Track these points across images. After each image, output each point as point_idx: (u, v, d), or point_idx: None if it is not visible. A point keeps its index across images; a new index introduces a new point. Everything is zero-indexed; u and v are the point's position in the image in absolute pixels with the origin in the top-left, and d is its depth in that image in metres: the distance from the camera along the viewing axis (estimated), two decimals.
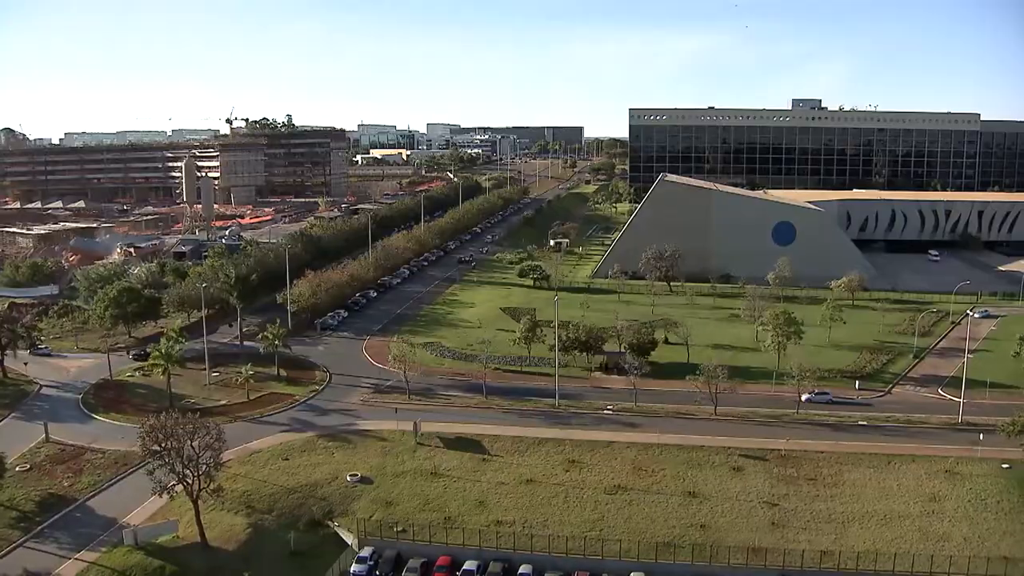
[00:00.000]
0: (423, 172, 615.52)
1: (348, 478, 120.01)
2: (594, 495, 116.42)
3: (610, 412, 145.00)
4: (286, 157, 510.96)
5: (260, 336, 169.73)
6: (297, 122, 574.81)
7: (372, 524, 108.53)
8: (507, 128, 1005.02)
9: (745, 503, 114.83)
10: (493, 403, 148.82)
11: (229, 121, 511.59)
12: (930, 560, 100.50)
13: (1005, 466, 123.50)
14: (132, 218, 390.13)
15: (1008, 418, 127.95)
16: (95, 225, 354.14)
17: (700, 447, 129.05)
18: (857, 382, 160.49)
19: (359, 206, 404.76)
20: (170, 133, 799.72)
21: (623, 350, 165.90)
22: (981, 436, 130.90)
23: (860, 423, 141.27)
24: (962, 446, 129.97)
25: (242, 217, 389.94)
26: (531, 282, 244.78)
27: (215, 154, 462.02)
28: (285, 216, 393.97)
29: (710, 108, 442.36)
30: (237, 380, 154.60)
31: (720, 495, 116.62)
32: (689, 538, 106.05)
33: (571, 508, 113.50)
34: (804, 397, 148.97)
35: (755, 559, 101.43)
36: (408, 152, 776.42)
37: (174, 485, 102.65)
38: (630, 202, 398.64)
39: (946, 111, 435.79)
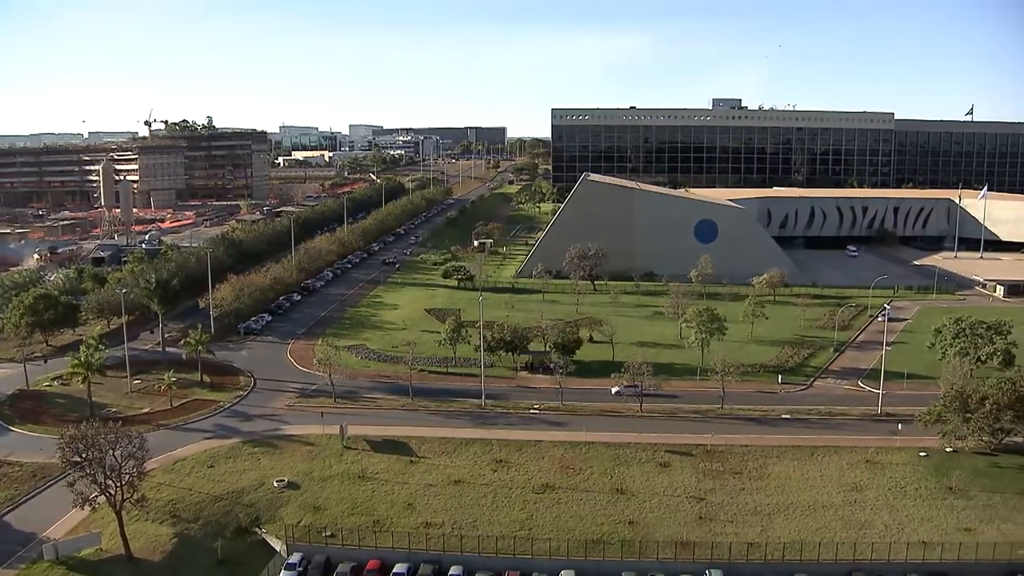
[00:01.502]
0: (346, 174, 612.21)
1: (275, 484, 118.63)
2: (522, 494, 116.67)
3: (536, 411, 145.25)
4: (207, 159, 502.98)
5: (182, 342, 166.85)
6: (218, 124, 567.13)
7: (300, 530, 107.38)
8: (430, 129, 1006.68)
9: (672, 498, 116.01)
10: (419, 405, 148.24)
11: (148, 123, 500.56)
12: (853, 548, 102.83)
13: (923, 454, 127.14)
14: (48, 223, 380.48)
15: (925, 408, 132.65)
16: (8, 231, 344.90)
17: (626, 444, 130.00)
18: (780, 376, 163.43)
19: (281, 208, 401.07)
20: (87, 136, 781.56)
21: (548, 349, 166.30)
22: (900, 426, 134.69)
23: (784, 416, 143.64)
24: (882, 436, 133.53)
25: (162, 221, 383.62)
26: (455, 283, 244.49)
27: (134, 157, 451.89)
28: (206, 219, 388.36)
29: (632, 108, 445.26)
30: (159, 387, 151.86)
31: (647, 491, 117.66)
32: (618, 535, 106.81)
33: (500, 508, 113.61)
34: (614, 390, 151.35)
35: (683, 553, 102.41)
36: (330, 154, 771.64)
37: (96, 497, 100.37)
38: (553, 202, 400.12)
39: (862, 110, 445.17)
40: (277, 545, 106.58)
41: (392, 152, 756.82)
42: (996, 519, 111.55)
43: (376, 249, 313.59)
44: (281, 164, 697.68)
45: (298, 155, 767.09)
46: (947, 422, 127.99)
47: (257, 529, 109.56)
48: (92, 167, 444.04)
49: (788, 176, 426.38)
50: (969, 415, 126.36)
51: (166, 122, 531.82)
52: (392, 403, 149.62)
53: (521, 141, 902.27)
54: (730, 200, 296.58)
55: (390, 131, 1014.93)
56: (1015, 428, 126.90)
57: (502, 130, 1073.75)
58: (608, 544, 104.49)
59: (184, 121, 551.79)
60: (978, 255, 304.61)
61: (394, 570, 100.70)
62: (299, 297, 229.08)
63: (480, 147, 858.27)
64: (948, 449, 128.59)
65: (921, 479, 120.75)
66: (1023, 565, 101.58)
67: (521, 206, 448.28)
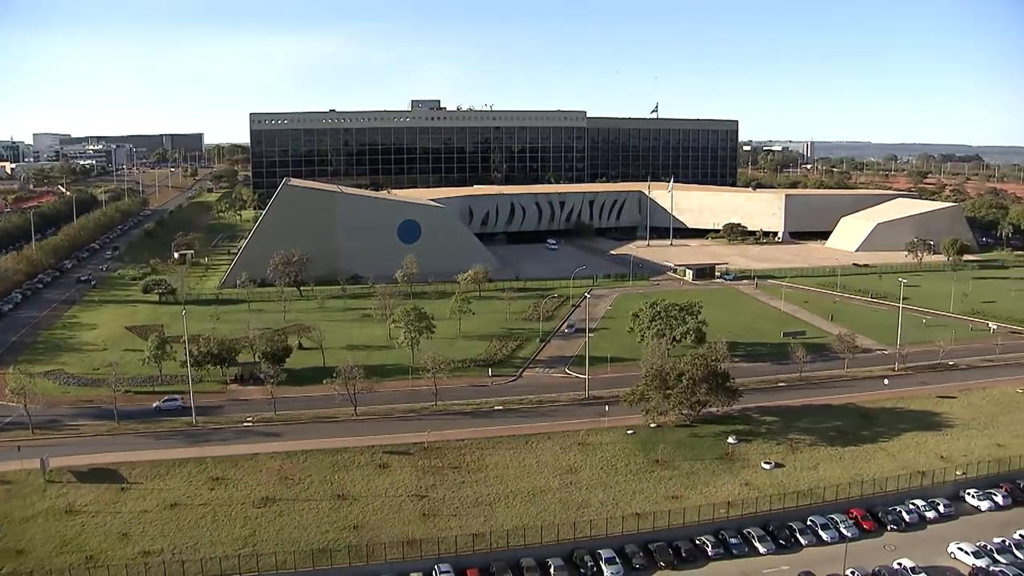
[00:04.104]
0: (31, 187, 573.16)
1: None
2: (243, 510, 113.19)
3: (250, 424, 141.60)
4: None
5: None
6: None
7: None
8: (123, 137, 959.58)
9: (395, 499, 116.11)
10: (127, 428, 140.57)
11: None
12: (573, 527, 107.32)
13: (629, 432, 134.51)
14: None
15: (628, 388, 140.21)
16: None
17: (344, 449, 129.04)
18: (490, 369, 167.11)
19: None
20: None
21: (258, 359, 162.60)
22: (607, 407, 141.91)
23: (497, 408, 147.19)
24: (591, 419, 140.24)
25: None
26: (157, 297, 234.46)
27: None
28: None
29: (332, 111, 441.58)
30: None
31: (369, 494, 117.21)
32: (343, 541, 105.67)
33: (220, 527, 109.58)
34: (154, 405, 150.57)
35: (411, 552, 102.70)
36: (12, 165, 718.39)
37: None
38: (255, 208, 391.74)
39: (556, 109, 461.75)
40: None
41: (82, 162, 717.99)
42: (699, 484, 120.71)
43: (69, 266, 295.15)
44: None
45: None
46: (649, 399, 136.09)
47: None
48: None
49: (488, 174, 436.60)
50: (669, 391, 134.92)
51: None
52: (97, 429, 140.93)
53: (219, 148, 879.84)
54: (432, 200, 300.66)
55: (79, 140, 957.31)
56: (710, 399, 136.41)
57: (199, 136, 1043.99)
58: (335, 551, 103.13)
59: None
60: (668, 242, 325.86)
61: None
62: None
63: (177, 155, 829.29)
64: (652, 425, 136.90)
65: (630, 455, 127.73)
66: (725, 523, 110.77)
67: (222, 214, 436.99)
